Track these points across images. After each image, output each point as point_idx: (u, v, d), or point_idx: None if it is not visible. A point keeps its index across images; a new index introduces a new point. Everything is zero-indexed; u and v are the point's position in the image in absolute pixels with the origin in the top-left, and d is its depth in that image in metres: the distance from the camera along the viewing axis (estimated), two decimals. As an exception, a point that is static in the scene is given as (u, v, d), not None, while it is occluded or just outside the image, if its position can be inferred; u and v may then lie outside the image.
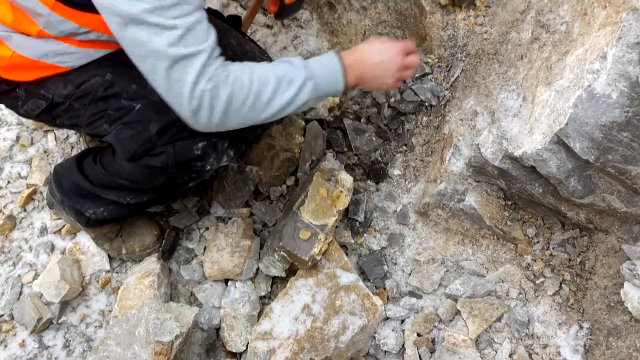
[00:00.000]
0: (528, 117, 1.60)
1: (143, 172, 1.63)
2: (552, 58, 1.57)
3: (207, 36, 1.30)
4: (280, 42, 2.54)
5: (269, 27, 2.57)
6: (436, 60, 2.08)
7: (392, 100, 2.12)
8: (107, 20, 1.26)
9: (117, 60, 1.55)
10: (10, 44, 1.48)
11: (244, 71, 1.36)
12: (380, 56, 1.50)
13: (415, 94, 2.05)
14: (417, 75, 2.07)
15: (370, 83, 1.54)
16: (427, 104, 2.07)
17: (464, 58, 1.98)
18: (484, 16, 1.96)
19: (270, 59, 2.11)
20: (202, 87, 1.29)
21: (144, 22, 1.22)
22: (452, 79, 2.01)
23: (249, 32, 2.53)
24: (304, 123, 2.22)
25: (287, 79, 1.39)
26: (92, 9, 1.28)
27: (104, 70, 1.56)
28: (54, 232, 2.15)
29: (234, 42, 1.96)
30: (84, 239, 2.12)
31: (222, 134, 1.63)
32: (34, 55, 1.50)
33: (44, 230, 2.16)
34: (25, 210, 2.20)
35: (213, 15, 2.03)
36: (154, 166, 1.58)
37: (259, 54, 2.04)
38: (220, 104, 1.32)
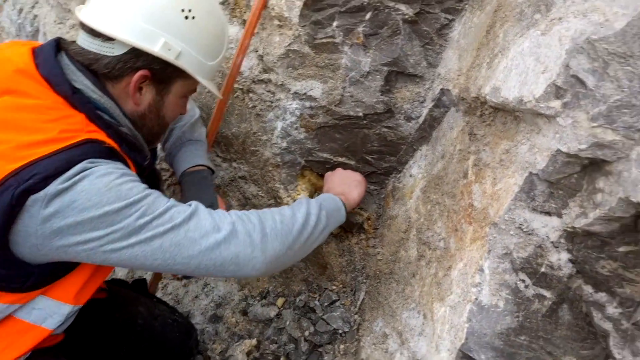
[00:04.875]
0: (432, 335, 1.64)
1: None
2: (439, 274, 1.66)
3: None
4: (191, 291, 2.56)
5: (179, 279, 2.60)
6: (341, 286, 2.15)
7: (307, 333, 2.13)
8: None
9: None
10: None
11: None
12: (342, 175, 1.93)
13: (327, 323, 2.08)
14: (325, 303, 2.12)
15: (352, 193, 1.84)
16: (340, 331, 2.08)
17: (364, 280, 2.06)
18: (374, 238, 2.08)
19: (181, 316, 2.12)
20: (229, 219, 1.35)
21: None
22: (359, 302, 2.07)
23: (160, 285, 2.54)
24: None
25: (295, 205, 1.58)
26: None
27: None
28: None
29: (143, 309, 1.97)
30: None
31: None
32: None
33: None
34: None
35: (117, 285, 2.05)
36: None
37: (169, 314, 2.06)
38: (254, 225, 1.38)
